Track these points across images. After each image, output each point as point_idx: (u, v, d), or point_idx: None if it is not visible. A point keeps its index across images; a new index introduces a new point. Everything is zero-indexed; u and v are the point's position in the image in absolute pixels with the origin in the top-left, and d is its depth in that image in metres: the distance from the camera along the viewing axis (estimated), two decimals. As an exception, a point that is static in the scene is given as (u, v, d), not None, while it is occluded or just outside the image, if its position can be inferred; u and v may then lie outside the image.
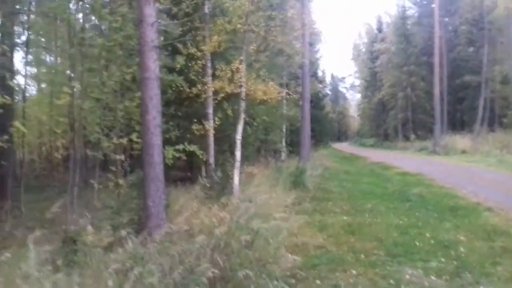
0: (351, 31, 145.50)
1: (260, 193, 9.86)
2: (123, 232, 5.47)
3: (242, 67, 8.99)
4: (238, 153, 9.37)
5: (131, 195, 6.92)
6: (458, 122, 38.44)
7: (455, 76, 37.51)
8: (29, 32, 13.03)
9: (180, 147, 11.56)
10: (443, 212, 8.99)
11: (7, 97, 6.82)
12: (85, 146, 9.27)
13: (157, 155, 6.34)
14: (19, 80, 13.20)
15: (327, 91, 63.68)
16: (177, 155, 11.62)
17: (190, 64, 10.36)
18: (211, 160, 13.08)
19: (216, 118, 11.53)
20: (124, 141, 8.03)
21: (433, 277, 4.93)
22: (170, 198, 8.43)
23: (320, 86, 39.48)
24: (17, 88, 11.46)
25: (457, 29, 39.22)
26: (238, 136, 9.33)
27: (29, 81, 21.18)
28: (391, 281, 4.86)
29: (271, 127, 21.50)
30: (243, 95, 9.23)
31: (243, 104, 9.27)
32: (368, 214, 8.80)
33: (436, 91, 31.14)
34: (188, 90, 10.41)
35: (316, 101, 34.54)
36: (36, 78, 19.08)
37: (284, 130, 24.36)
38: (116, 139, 7.94)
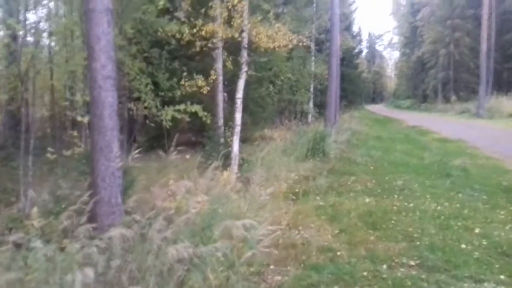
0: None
1: (268, 164, 8.21)
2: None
3: (243, 4, 6.94)
4: (238, 115, 7.62)
5: (83, 169, 5.31)
6: (505, 83, 34.84)
7: (503, 32, 33.81)
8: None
9: (181, 107, 10.04)
10: (493, 193, 7.10)
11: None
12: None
13: (109, 118, 4.62)
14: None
15: (363, 48, 60.27)
16: (178, 116, 10.16)
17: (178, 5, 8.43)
18: (220, 122, 11.55)
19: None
20: (88, 98, 6.37)
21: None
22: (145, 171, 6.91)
23: (353, 42, 36.61)
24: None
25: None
26: (239, 95, 7.53)
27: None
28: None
29: (297, 86, 19.72)
30: (245, 42, 7.31)
31: (244, 54, 7.38)
32: (398, 194, 6.96)
33: (483, 47, 28.07)
34: (178, 35, 8.49)
35: (349, 59, 32.03)
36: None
37: (311, 90, 22.48)
38: (79, 96, 6.31)
